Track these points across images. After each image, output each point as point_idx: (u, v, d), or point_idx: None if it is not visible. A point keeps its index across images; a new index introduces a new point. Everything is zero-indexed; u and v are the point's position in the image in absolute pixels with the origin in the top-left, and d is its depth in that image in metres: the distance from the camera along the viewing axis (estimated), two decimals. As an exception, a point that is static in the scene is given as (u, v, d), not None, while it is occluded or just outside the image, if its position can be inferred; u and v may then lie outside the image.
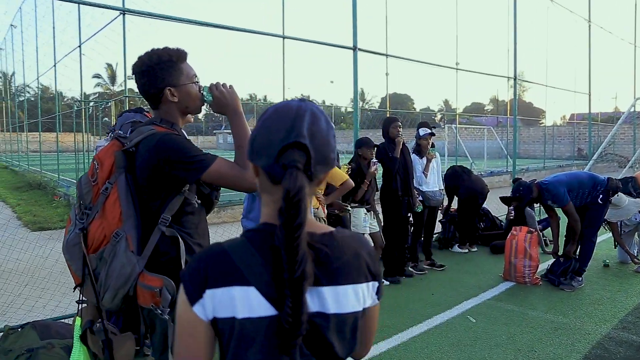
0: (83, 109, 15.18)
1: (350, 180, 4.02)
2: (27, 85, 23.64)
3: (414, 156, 5.44)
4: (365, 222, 4.83)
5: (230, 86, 1.79)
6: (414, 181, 5.36)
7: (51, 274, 4.47)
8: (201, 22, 5.35)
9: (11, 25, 20.39)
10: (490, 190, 6.58)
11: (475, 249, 6.48)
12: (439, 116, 54.61)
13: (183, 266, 1.67)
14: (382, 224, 5.18)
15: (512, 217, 6.33)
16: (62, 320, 3.56)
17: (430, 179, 5.47)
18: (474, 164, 17.49)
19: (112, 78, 48.14)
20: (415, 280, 5.20)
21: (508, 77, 10.60)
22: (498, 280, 5.11)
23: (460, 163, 18.20)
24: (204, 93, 1.78)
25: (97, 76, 46.17)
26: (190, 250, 1.72)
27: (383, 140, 5.14)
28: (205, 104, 1.81)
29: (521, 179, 7.49)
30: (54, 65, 14.47)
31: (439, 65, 9.19)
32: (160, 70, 1.70)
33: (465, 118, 44.63)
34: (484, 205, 7.11)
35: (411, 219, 5.54)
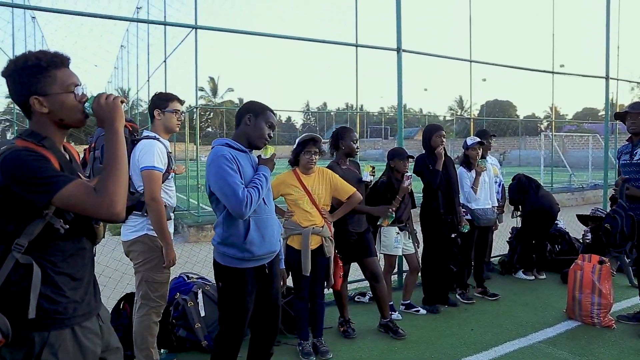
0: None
1: (358, 194, 3.57)
2: (140, 99, 26.04)
3: (461, 169, 4.81)
4: (397, 242, 4.32)
5: (115, 98, 1.55)
6: (462, 197, 4.74)
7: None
8: (270, 34, 5.19)
9: (121, 45, 22.54)
10: (560, 209, 5.62)
11: (544, 277, 5.57)
12: (545, 123, 50.38)
13: (33, 298, 1.44)
14: (422, 245, 4.62)
15: (588, 241, 5.36)
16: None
17: (481, 194, 4.78)
18: (573, 176, 15.63)
19: (214, 90, 51.50)
20: (459, 311, 4.55)
21: (604, 77, 9.21)
22: (560, 318, 4.29)
23: (559, 175, 16.43)
24: (86, 105, 1.57)
25: (201, 89, 49.68)
26: (49, 281, 1.49)
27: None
28: (88, 116, 1.59)
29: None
30: (147, 80, 15.66)
31: (524, 69, 8.22)
32: (25, 76, 1.50)
33: (575, 125, 40.66)
34: (561, 224, 6.16)
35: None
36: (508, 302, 4.77)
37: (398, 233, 4.33)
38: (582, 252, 5.43)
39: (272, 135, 2.54)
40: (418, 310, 4.49)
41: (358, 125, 14.63)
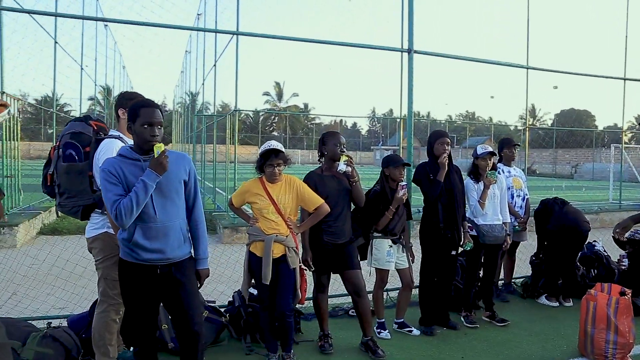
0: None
1: (326, 205, 3.35)
2: (207, 102, 27.15)
3: (467, 180, 4.41)
4: (390, 255, 4.03)
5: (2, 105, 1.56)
6: (467, 211, 4.36)
7: None
8: (308, 39, 5.11)
9: (186, 51, 23.64)
10: (591, 228, 4.97)
11: (571, 304, 4.97)
12: (629, 135, 46.32)
13: None
14: (418, 259, 4.29)
15: (624, 267, 4.73)
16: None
17: (489, 209, 4.35)
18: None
19: (279, 95, 52.60)
20: (457, 335, 4.16)
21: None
22: (569, 354, 3.78)
23: (629, 189, 14.93)
24: None
25: (266, 94, 51.00)
26: None
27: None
28: None
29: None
30: (202, 84, 16.23)
31: (589, 75, 7.49)
32: None
33: (663, 137, 37.04)
34: (599, 246, 5.51)
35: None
36: (517, 329, 4.30)
37: (391, 246, 4.05)
38: (617, 281, 4.83)
39: (155, 132, 2.38)
40: (411, 330, 4.16)
41: (402, 131, 14.15)
